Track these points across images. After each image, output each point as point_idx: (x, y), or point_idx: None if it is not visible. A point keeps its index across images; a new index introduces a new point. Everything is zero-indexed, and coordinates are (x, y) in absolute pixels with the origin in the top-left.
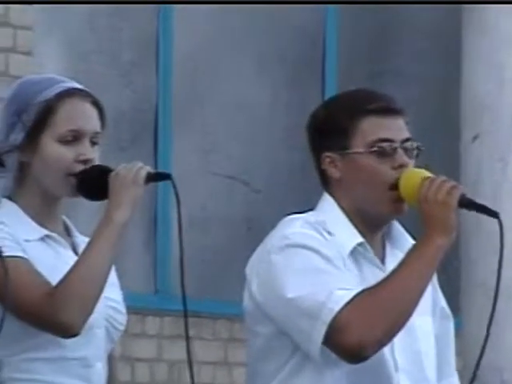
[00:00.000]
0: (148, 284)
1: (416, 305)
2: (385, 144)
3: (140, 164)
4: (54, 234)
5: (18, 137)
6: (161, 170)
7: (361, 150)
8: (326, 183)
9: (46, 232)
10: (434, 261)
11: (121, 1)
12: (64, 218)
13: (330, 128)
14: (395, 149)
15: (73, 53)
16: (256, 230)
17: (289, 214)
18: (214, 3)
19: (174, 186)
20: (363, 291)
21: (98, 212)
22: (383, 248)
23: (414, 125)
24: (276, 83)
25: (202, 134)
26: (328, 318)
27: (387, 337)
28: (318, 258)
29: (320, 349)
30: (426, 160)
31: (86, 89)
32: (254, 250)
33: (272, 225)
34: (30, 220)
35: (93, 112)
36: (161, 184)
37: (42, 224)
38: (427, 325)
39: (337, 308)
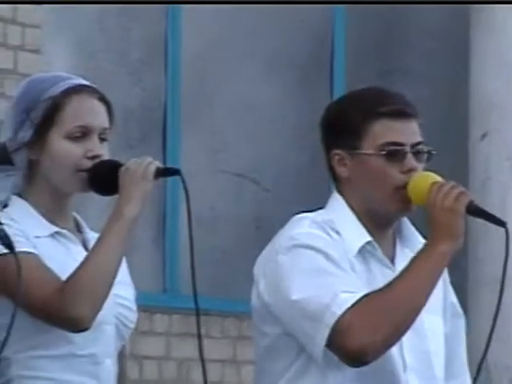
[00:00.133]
0: (156, 282)
1: (420, 310)
2: (395, 147)
3: (149, 159)
4: (64, 231)
5: (26, 134)
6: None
7: (370, 151)
8: (336, 181)
9: (56, 229)
10: (440, 267)
11: (130, 1)
12: (75, 214)
13: (341, 126)
14: (405, 153)
15: (82, 51)
16: (265, 228)
17: (297, 213)
18: (223, 3)
19: (183, 181)
20: (367, 295)
21: (107, 207)
22: (394, 246)
23: (422, 123)
24: (285, 83)
25: (210, 132)
26: (331, 321)
27: (390, 342)
28: (323, 259)
29: (323, 351)
30: (434, 158)
31: (93, 85)
32: (262, 248)
33: (281, 223)
34: (40, 217)
35: (100, 108)
36: (170, 182)
37: (52, 221)
38: (437, 324)
39: (340, 311)
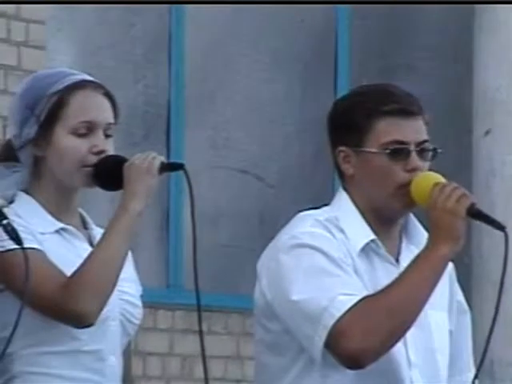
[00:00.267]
0: (160, 278)
1: (418, 313)
2: (398, 146)
3: (153, 154)
4: (69, 227)
5: (31, 131)
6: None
7: (374, 149)
8: (342, 178)
9: (61, 225)
10: (439, 269)
11: (133, 1)
12: (81, 210)
13: (346, 123)
14: (409, 151)
15: (85, 47)
16: (268, 224)
17: (301, 210)
18: (226, 3)
19: (187, 176)
20: (366, 297)
21: (111, 203)
22: (400, 243)
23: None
24: (288, 79)
25: (214, 129)
26: (329, 322)
27: (386, 345)
28: (324, 259)
29: (321, 352)
30: (438, 155)
31: (98, 81)
32: (266, 244)
33: (284, 219)
34: (45, 213)
35: (105, 103)
36: (173, 177)
37: (57, 217)
38: (442, 320)
39: (338, 314)
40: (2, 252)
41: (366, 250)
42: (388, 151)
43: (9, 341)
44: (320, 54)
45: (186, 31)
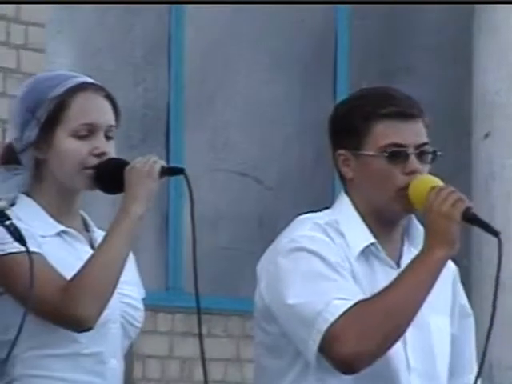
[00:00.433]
0: (159, 281)
1: (413, 316)
2: (397, 149)
3: (154, 158)
4: (70, 230)
5: (32, 134)
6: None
7: (373, 152)
8: (342, 181)
9: (62, 228)
10: (434, 272)
11: (132, 1)
12: (82, 213)
13: (345, 127)
14: (408, 154)
15: (85, 50)
16: (268, 227)
17: (301, 213)
18: (226, 3)
19: (188, 180)
20: (360, 302)
21: (112, 206)
22: (402, 246)
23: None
24: (288, 81)
25: (214, 131)
26: (323, 327)
27: (381, 349)
28: (322, 264)
29: (316, 356)
30: (438, 158)
31: (99, 83)
32: (265, 247)
33: (284, 222)
34: (46, 216)
35: (106, 105)
36: (173, 180)
37: (59, 219)
38: (444, 324)
39: (332, 318)
40: (2, 255)
41: (365, 253)
42: (386, 154)
43: (13, 344)
44: (320, 55)
45: (185, 32)
